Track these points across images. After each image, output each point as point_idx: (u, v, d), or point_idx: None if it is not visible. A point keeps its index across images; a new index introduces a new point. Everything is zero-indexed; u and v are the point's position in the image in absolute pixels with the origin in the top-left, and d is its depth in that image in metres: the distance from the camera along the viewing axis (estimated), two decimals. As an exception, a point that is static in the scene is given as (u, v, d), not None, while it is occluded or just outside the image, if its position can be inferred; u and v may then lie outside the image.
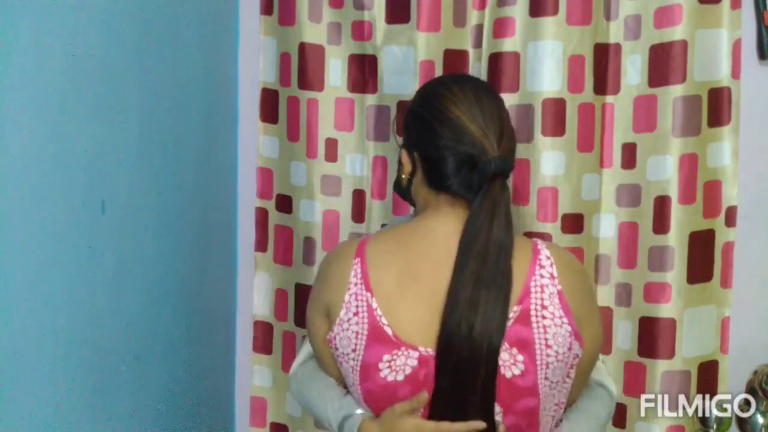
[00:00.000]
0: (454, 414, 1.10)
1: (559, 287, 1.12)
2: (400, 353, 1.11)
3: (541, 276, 1.12)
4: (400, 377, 1.11)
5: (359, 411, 1.18)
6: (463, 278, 1.09)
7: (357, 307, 1.14)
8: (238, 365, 2.04)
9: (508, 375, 1.09)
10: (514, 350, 1.09)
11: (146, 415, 1.50)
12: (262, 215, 1.97)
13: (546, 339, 1.10)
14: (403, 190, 1.25)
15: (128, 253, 1.41)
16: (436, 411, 1.11)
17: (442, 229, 1.14)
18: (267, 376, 1.99)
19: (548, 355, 1.10)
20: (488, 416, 1.10)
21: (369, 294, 1.13)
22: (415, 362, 1.11)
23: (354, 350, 1.14)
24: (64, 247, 1.20)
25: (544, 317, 1.10)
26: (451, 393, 1.10)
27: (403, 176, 1.21)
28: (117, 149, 1.36)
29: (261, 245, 1.98)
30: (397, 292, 1.13)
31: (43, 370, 1.15)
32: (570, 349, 1.12)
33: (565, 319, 1.11)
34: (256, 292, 1.99)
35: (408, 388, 1.12)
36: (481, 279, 1.09)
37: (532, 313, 1.10)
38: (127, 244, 1.40)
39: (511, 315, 1.09)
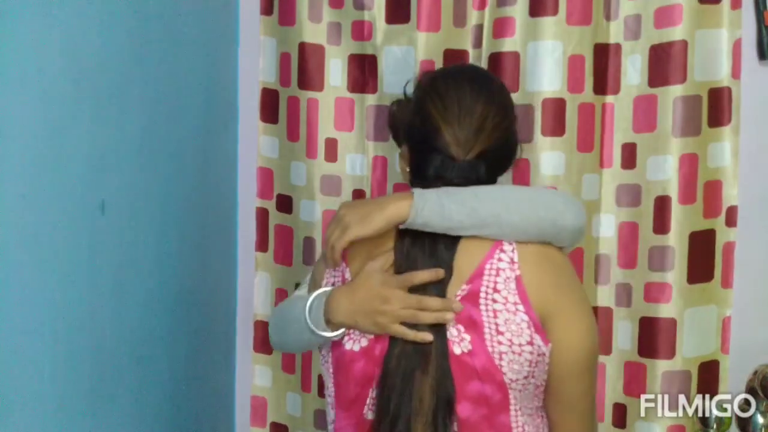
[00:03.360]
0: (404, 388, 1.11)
1: (518, 273, 1.10)
2: None
3: (500, 260, 1.11)
4: (356, 348, 1.15)
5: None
6: (403, 263, 1.13)
7: (334, 277, 1.20)
8: (238, 365, 2.04)
9: (457, 351, 1.10)
10: (461, 327, 1.10)
11: (146, 415, 1.50)
12: (262, 215, 1.97)
13: (496, 324, 1.09)
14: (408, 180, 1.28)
15: (128, 253, 1.41)
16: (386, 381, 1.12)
17: None
18: (267, 376, 1.99)
19: (500, 343, 1.09)
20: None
21: (344, 264, 1.19)
22: (371, 335, 1.14)
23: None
24: (63, 248, 1.19)
25: (494, 300, 1.09)
26: (400, 371, 1.11)
27: (407, 168, 1.23)
28: (117, 149, 1.36)
29: (261, 245, 1.97)
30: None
31: (43, 370, 1.15)
32: (531, 342, 1.09)
33: (520, 307, 1.09)
34: (256, 292, 1.98)
35: (363, 361, 1.14)
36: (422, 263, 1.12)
37: (482, 295, 1.10)
38: (127, 245, 1.40)
39: (458, 293, 1.11)
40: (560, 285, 1.13)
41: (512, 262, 1.10)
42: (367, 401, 1.14)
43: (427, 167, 1.14)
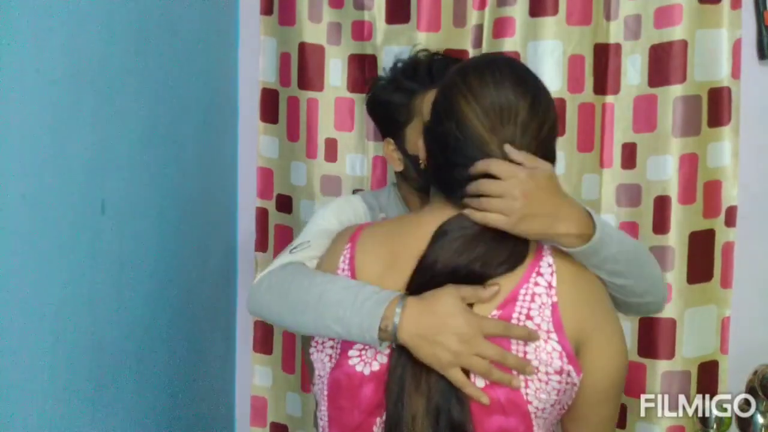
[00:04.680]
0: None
1: (555, 299, 1.00)
2: None
3: (536, 284, 1.01)
4: (367, 371, 1.02)
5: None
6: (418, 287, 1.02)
7: (343, 264, 1.09)
8: (238, 365, 2.04)
9: (479, 384, 0.99)
10: None
11: (146, 414, 1.50)
12: (262, 215, 1.97)
13: (525, 352, 0.99)
14: (420, 179, 1.19)
15: (128, 253, 1.41)
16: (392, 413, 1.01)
17: (432, 226, 1.04)
18: (267, 376, 1.99)
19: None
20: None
21: (349, 244, 1.09)
22: (385, 359, 1.02)
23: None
24: (64, 247, 1.19)
25: None
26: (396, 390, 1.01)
27: (421, 162, 1.11)
28: (117, 149, 1.36)
29: (261, 245, 1.97)
30: (379, 281, 1.05)
31: (43, 370, 1.15)
32: (561, 372, 0.99)
33: (553, 336, 0.99)
34: (256, 292, 1.98)
35: (373, 386, 1.02)
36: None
37: (513, 322, 1.00)
38: (127, 244, 1.40)
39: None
40: (596, 303, 1.05)
41: (550, 287, 1.01)
42: (375, 430, 1.03)
43: (451, 174, 1.03)
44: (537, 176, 1.00)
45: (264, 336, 1.99)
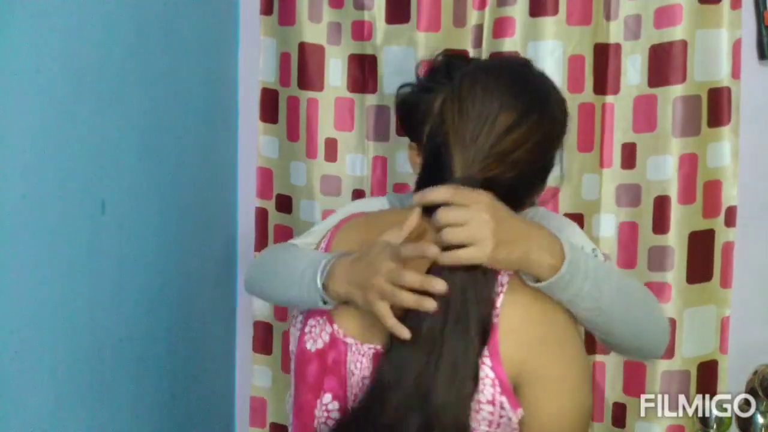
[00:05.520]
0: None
1: (495, 320, 0.90)
2: (322, 321, 1.02)
3: None
4: (312, 349, 1.02)
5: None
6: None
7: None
8: (238, 365, 2.04)
9: None
10: None
11: (146, 414, 1.50)
12: (262, 215, 1.97)
13: None
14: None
15: (128, 253, 1.41)
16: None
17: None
18: (267, 376, 1.99)
19: None
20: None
21: (328, 235, 1.10)
22: (327, 337, 1.01)
23: (302, 312, 1.08)
24: (64, 248, 1.20)
25: None
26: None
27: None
28: (117, 149, 1.36)
29: (261, 245, 1.98)
30: None
31: (43, 370, 1.15)
32: (492, 402, 0.90)
33: (487, 360, 0.90)
34: (255, 293, 1.98)
35: (316, 365, 1.01)
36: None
37: None
38: (127, 245, 1.40)
39: None
40: (548, 339, 0.93)
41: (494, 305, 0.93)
42: (316, 413, 1.02)
43: (425, 178, 0.99)
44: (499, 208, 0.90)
45: (264, 336, 1.99)
